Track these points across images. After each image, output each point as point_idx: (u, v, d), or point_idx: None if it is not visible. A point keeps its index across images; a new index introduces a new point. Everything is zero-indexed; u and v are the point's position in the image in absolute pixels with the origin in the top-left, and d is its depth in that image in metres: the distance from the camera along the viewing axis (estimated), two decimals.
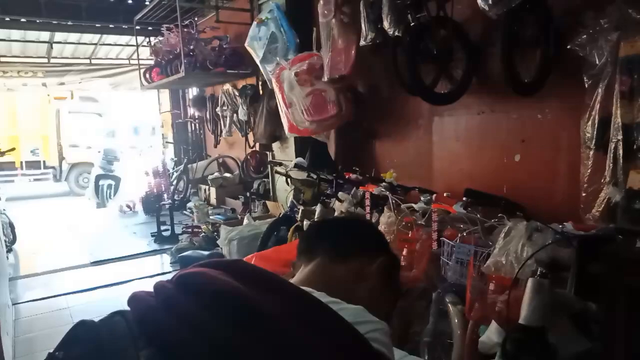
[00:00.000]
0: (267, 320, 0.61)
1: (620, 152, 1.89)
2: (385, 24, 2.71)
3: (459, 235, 1.96)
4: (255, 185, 5.15)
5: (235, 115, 5.63)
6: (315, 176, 3.28)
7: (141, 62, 6.69)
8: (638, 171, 1.87)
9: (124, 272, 4.25)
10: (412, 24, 2.62)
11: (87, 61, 8.55)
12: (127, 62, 8.60)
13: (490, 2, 2.10)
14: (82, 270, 4.41)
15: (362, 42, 3.02)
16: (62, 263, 4.57)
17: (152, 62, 6.40)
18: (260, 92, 4.87)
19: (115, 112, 11.37)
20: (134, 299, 0.67)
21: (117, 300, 3.26)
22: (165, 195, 6.65)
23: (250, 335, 0.59)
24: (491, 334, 1.53)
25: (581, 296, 1.38)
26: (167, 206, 5.66)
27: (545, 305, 1.39)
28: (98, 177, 8.35)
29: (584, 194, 2.07)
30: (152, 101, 8.79)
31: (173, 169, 7.17)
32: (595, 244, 1.30)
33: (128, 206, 7.16)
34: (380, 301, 0.89)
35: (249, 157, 5.48)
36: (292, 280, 0.86)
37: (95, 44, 8.04)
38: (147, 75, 6.20)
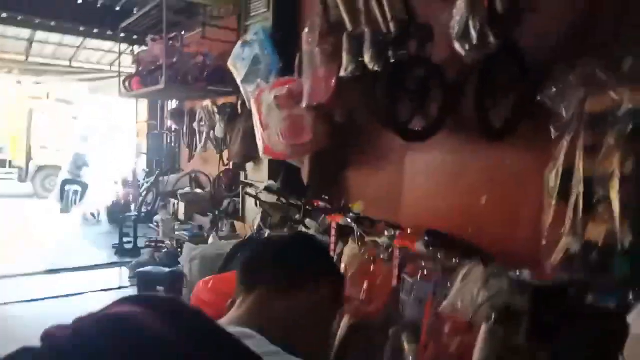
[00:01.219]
0: None
1: (581, 204, 1.94)
2: (366, 58, 2.75)
3: (420, 272, 1.95)
4: (225, 204, 5.08)
5: (212, 132, 5.59)
6: (284, 200, 3.26)
7: (122, 69, 6.62)
8: (597, 224, 1.91)
9: (78, 283, 4.09)
10: (392, 60, 2.67)
11: (67, 63, 8.41)
12: (108, 68, 8.49)
13: (467, 47, 2.16)
14: (33, 278, 4.23)
15: (342, 73, 3.05)
16: (14, 269, 4.37)
17: (133, 71, 6.34)
18: (239, 111, 4.86)
19: (90, 117, 11.17)
20: (48, 338, 0.57)
21: (67, 313, 3.12)
22: (132, 206, 6.49)
23: None
24: None
25: (533, 344, 1.38)
26: (132, 217, 5.51)
27: (497, 352, 1.38)
28: (65, 182, 8.13)
29: (544, 242, 2.09)
30: (130, 109, 8.67)
31: (144, 179, 7.03)
32: (549, 294, 1.31)
33: (92, 214, 6.96)
34: (324, 329, 0.86)
35: (221, 174, 5.42)
36: (228, 317, 0.80)
37: (77, 47, 7.93)
38: (127, 84, 6.12)
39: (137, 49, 6.65)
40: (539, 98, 2.10)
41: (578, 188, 1.91)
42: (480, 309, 1.41)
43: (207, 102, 5.73)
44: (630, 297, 1.28)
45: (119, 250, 5.12)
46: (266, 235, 3.22)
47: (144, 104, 7.94)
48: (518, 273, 1.56)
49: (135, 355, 0.54)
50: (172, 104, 7.15)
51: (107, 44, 7.74)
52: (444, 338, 1.61)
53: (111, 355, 0.54)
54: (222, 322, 0.78)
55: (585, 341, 1.23)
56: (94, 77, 8.53)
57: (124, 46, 6.82)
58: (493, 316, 1.41)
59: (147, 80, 5.51)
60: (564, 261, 1.98)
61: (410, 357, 1.88)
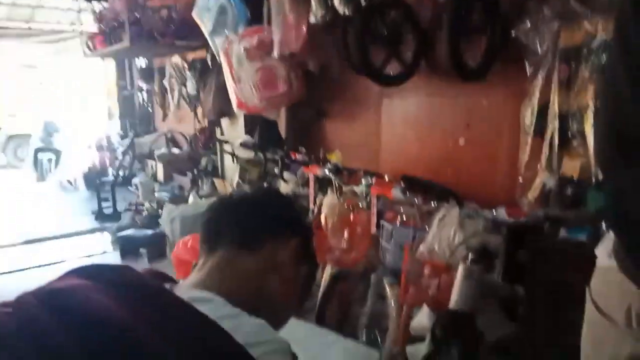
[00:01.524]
0: (147, 353, 0.53)
1: (556, 139, 1.94)
2: (336, 2, 2.64)
3: (399, 218, 1.95)
4: (203, 162, 5.01)
5: (184, 89, 5.42)
6: (262, 155, 3.21)
7: (84, 28, 6.29)
8: (571, 158, 1.92)
9: (59, 252, 4.04)
10: (363, 3, 2.56)
11: (25, 25, 7.95)
12: (69, 28, 8.06)
13: None
14: (13, 249, 4.16)
15: (312, 20, 2.93)
16: None
17: (95, 30, 6.03)
18: (210, 66, 4.69)
19: (58, 81, 10.73)
20: None
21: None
22: (109, 170, 6.36)
23: None
24: (422, 318, 1.55)
25: (508, 282, 1.40)
26: (110, 182, 5.41)
27: (474, 291, 1.41)
28: (37, 150, 7.89)
29: (521, 179, 2.11)
30: (98, 70, 8.34)
31: (119, 142, 6.86)
32: (522, 232, 1.32)
33: (69, 181, 6.82)
34: (294, 288, 0.82)
35: (197, 132, 5.31)
36: (190, 280, 0.77)
37: (33, 6, 7.48)
38: (90, 43, 5.83)
39: (97, 5, 6.29)
40: (513, 34, 2.05)
41: (553, 123, 1.90)
42: (457, 250, 1.42)
43: (177, 58, 5.52)
44: (602, 230, 1.30)
45: (99, 215, 5.05)
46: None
47: (111, 63, 7.63)
48: (494, 212, 1.57)
49: (78, 330, 0.52)
50: (141, 62, 6.88)
51: (66, 2, 7.30)
52: (424, 280, 1.63)
53: (55, 332, 0.51)
54: (181, 286, 0.75)
55: (555, 275, 1.25)
56: (55, 38, 8.10)
57: (83, 3, 6.43)
58: (469, 256, 1.42)
59: (111, 39, 5.25)
60: (540, 197, 2.01)
61: (392, 301, 1.91)
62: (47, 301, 0.55)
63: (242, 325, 0.64)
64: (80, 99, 11.39)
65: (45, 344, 0.50)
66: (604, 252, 0.76)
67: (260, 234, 0.80)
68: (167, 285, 0.72)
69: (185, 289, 0.74)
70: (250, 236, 0.79)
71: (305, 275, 0.86)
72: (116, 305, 0.56)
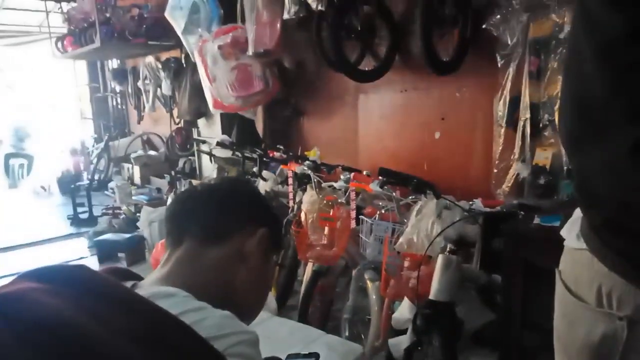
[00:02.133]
0: (101, 354, 0.51)
1: (528, 129, 1.98)
2: None
3: (378, 212, 1.97)
4: (180, 164, 4.95)
5: (158, 89, 5.34)
6: (239, 154, 3.18)
7: (53, 30, 6.12)
8: (543, 148, 1.96)
9: (35, 258, 3.94)
10: None
11: None
12: (37, 29, 7.86)
13: None
14: None
15: (285, 16, 2.92)
16: None
17: (65, 30, 5.89)
18: (184, 65, 4.64)
19: (27, 84, 10.43)
20: None
21: None
22: (84, 175, 6.22)
23: None
24: (404, 310, 1.56)
25: (486, 270, 1.43)
26: (85, 186, 5.30)
27: (454, 280, 1.43)
28: (8, 156, 7.67)
29: (495, 171, 2.15)
30: (69, 72, 8.14)
31: (93, 146, 6.72)
32: (498, 220, 1.34)
33: (42, 187, 6.65)
34: (264, 279, 0.81)
35: (174, 133, 5.24)
36: (153, 275, 0.75)
37: None
38: (60, 45, 5.70)
39: (65, 5, 6.13)
40: (484, 26, 2.08)
41: (525, 114, 1.94)
42: (435, 241, 1.44)
43: (150, 59, 5.43)
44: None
45: (75, 220, 4.94)
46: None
47: (82, 65, 7.47)
48: (471, 203, 1.59)
49: (27, 334, 0.50)
50: (113, 64, 6.75)
51: (31, 2, 7.10)
52: (404, 273, 1.64)
53: (6, 337, 0.50)
54: (145, 282, 0.73)
55: (530, 260, 1.28)
56: (22, 40, 7.88)
57: (50, 4, 6.27)
58: (448, 247, 1.44)
59: (81, 40, 5.13)
60: (514, 187, 2.05)
61: (373, 295, 1.93)
62: None
63: (206, 319, 0.62)
64: (51, 103, 11.11)
65: None
66: (572, 233, 0.77)
67: (225, 224, 0.78)
68: (129, 283, 0.70)
69: (149, 285, 0.72)
70: (215, 227, 0.77)
71: (274, 265, 0.85)
72: (66, 306, 0.54)
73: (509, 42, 2.00)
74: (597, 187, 0.67)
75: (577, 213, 0.79)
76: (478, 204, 1.58)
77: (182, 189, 4.64)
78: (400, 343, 1.54)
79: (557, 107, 1.84)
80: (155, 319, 0.58)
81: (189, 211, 0.80)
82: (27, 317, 0.52)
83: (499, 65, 2.07)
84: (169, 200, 4.15)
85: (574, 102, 0.67)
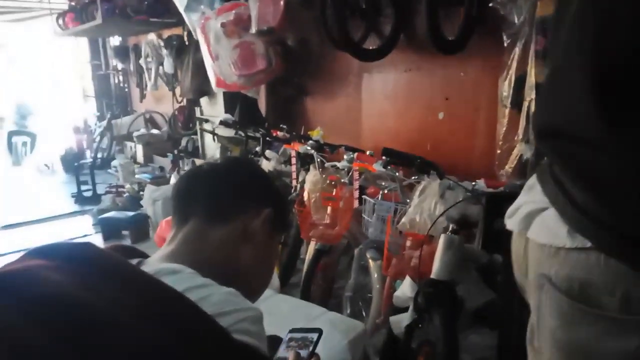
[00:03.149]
0: (106, 329, 0.52)
1: (533, 110, 1.96)
2: None
3: (381, 192, 1.97)
4: (183, 143, 4.95)
5: (161, 67, 5.30)
6: (242, 133, 3.18)
7: (54, 6, 6.06)
8: None
9: (40, 236, 3.99)
10: None
11: None
12: (38, 5, 7.76)
13: None
14: None
15: None
16: None
17: (66, 7, 5.83)
18: (187, 43, 4.59)
19: (29, 61, 10.36)
20: None
21: None
22: (87, 153, 6.23)
23: (82, 349, 0.50)
24: (405, 288, 1.58)
25: (487, 250, 1.44)
26: (88, 164, 5.32)
27: (455, 260, 1.44)
28: (11, 134, 7.67)
29: (499, 151, 2.15)
30: (70, 49, 8.08)
31: (95, 124, 6.71)
32: (501, 201, 1.35)
33: (46, 165, 6.67)
34: (268, 258, 0.83)
35: (176, 112, 5.22)
36: (159, 253, 0.76)
37: None
38: (61, 21, 5.65)
39: None
40: (491, 5, 2.05)
41: (530, 95, 1.92)
42: (438, 221, 1.45)
43: (152, 36, 5.38)
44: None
45: (79, 198, 4.96)
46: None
47: (84, 42, 7.41)
48: (474, 184, 1.59)
49: (33, 309, 0.52)
50: (115, 41, 6.69)
51: None
52: (406, 252, 1.66)
53: (14, 313, 0.51)
54: (151, 259, 0.75)
55: None
56: (22, 16, 7.79)
57: None
58: (450, 227, 1.45)
59: (83, 16, 5.09)
60: (517, 168, 2.05)
61: (375, 273, 1.95)
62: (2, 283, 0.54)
63: (211, 296, 0.63)
64: (53, 80, 11.05)
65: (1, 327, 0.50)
66: (557, 230, 0.66)
67: (231, 204, 0.79)
68: (135, 261, 0.71)
69: (154, 262, 0.73)
70: (221, 207, 0.78)
71: (278, 243, 0.86)
72: (73, 283, 0.55)
73: (516, 21, 1.97)
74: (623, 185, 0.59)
75: (541, 203, 0.71)
76: (481, 184, 1.58)
77: (185, 168, 4.66)
78: (401, 320, 1.56)
79: None
80: (160, 295, 0.59)
81: (195, 190, 0.81)
82: (34, 293, 0.53)
83: (505, 44, 2.04)
84: (172, 179, 4.17)
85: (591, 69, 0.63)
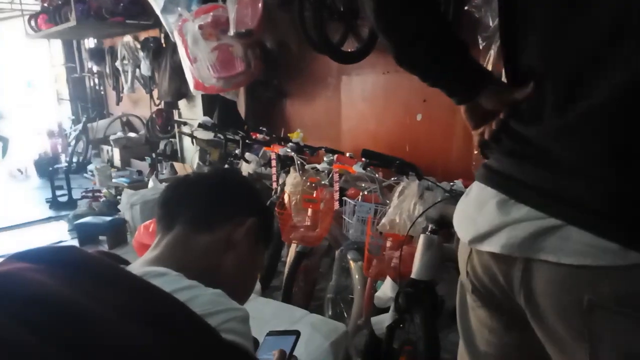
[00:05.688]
0: (95, 329, 0.52)
1: None
2: None
3: (361, 194, 1.98)
4: (161, 146, 4.89)
5: (138, 70, 5.23)
6: (222, 136, 3.16)
7: (25, 7, 5.92)
8: None
9: (14, 242, 3.88)
10: None
11: None
12: (8, 6, 7.57)
13: None
14: None
15: None
16: None
17: (38, 8, 5.70)
18: (164, 45, 4.54)
19: (2, 64, 10.09)
20: None
21: None
22: (62, 157, 6.09)
23: (73, 350, 0.49)
24: (386, 289, 1.59)
25: None
26: (63, 169, 5.21)
27: (435, 260, 1.46)
28: None
29: (475, 152, 2.18)
30: (43, 52, 7.89)
31: (71, 128, 6.57)
32: None
33: (19, 170, 6.50)
34: (251, 267, 0.83)
35: (154, 115, 5.16)
36: (144, 257, 0.76)
37: None
38: (33, 23, 5.52)
39: None
40: (466, 8, 2.08)
41: None
42: (417, 221, 1.46)
43: (128, 38, 5.30)
44: None
45: (54, 204, 4.85)
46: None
47: (58, 45, 7.25)
48: (452, 184, 1.62)
49: (26, 312, 0.51)
50: (90, 43, 6.57)
51: None
52: (386, 253, 1.67)
53: (2, 313, 0.50)
54: (137, 263, 0.74)
55: None
56: None
57: None
58: (429, 227, 1.47)
59: (56, 18, 4.98)
60: None
61: (356, 275, 1.96)
62: None
63: (198, 297, 0.63)
64: (26, 83, 10.78)
65: None
66: (599, 248, 0.62)
67: (215, 213, 0.80)
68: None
69: (139, 266, 0.73)
70: (205, 216, 0.79)
71: (262, 254, 0.87)
72: (62, 284, 0.55)
73: (491, 24, 2.01)
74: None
75: (541, 221, 0.65)
76: (459, 184, 1.61)
77: (164, 172, 4.60)
78: (383, 321, 1.57)
79: None
80: (149, 295, 0.59)
81: (180, 199, 0.82)
82: (21, 295, 0.52)
83: (480, 47, 2.08)
84: (150, 183, 4.11)
85: None
